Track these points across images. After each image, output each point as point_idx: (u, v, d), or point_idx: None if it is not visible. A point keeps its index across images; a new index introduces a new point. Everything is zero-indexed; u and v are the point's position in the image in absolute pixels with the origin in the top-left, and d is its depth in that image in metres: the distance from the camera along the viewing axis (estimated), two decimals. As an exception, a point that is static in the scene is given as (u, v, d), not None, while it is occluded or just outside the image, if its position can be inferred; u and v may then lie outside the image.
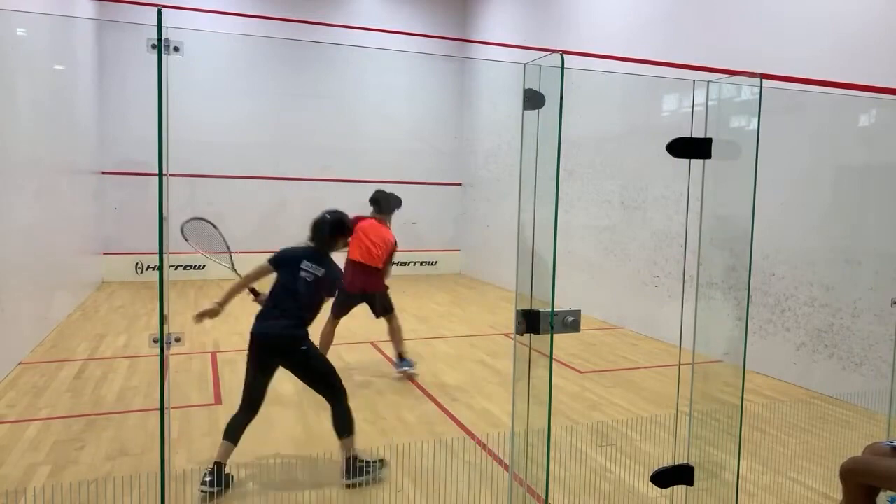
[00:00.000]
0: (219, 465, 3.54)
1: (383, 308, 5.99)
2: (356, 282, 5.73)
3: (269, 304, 3.99)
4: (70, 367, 5.90)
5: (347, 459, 3.69)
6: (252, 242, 11.84)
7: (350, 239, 4.95)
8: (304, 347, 3.83)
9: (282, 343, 3.87)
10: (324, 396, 3.85)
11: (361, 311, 9.13)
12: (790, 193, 5.90)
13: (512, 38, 10.96)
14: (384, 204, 5.95)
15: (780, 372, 6.01)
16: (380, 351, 6.79)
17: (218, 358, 6.36)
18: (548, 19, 10.29)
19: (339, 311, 5.86)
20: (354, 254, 5.76)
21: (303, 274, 3.89)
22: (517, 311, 2.33)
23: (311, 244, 4.06)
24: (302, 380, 3.90)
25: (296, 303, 3.86)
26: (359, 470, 3.68)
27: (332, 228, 4.13)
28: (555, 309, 2.27)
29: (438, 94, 13.12)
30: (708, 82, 2.87)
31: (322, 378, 3.86)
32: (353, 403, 5.04)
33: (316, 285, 3.87)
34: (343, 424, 3.76)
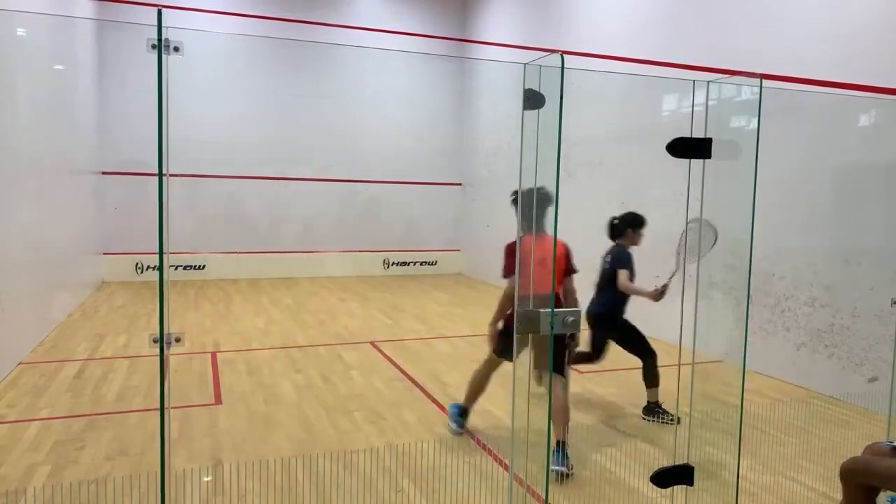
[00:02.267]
0: (656, 403, 4.91)
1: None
2: None
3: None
4: (70, 367, 5.90)
5: (651, 403, 4.91)
6: (252, 242, 11.90)
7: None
8: (616, 320, 5.02)
9: (590, 318, 5.08)
10: (635, 355, 5.00)
11: (361, 310, 9.17)
12: (790, 193, 5.90)
13: (512, 38, 10.96)
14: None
15: (780, 372, 6.01)
16: (380, 351, 6.79)
17: (218, 358, 6.36)
18: (548, 19, 10.29)
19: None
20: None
21: (604, 265, 5.16)
22: (517, 312, 2.34)
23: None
24: (617, 344, 5.06)
25: (602, 286, 5.07)
26: (655, 413, 4.87)
27: (623, 225, 5.34)
28: (555, 309, 2.27)
29: (438, 94, 13.13)
30: (708, 82, 2.87)
31: (632, 342, 5.00)
32: (353, 403, 5.07)
33: (609, 270, 5.06)
34: (649, 377, 4.92)
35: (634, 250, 5.20)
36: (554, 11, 10.08)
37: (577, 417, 4.89)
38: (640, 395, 5.38)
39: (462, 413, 4.55)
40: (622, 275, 4.93)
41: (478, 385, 4.52)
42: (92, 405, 4.93)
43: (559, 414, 4.00)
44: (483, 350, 6.87)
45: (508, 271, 4.21)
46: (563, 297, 4.36)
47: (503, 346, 4.28)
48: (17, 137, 6.30)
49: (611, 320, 5.02)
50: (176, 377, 5.66)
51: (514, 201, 4.20)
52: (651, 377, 4.92)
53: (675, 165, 2.88)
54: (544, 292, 4.24)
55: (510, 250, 4.27)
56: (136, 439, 4.26)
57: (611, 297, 4.98)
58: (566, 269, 4.40)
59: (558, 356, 4.09)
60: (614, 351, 7.09)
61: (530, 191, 4.23)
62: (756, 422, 4.81)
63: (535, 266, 4.02)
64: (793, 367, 5.91)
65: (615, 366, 6.42)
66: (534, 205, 3.82)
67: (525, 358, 2.55)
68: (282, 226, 12.22)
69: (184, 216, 11.41)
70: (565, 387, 4.22)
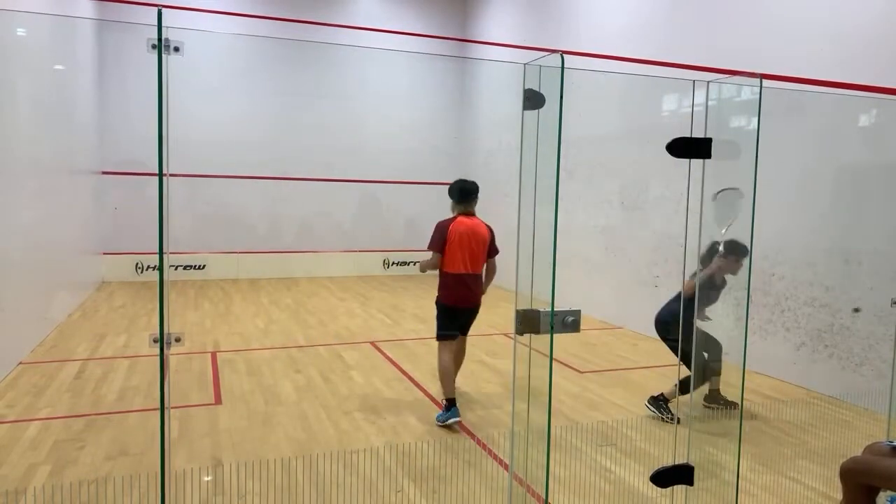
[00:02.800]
0: (666, 400, 4.84)
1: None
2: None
3: None
4: (70, 367, 5.90)
5: (661, 397, 4.83)
6: (252, 242, 11.89)
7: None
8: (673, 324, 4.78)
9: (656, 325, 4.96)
10: (683, 362, 4.55)
11: (361, 310, 9.17)
12: (790, 193, 5.90)
13: (512, 38, 10.96)
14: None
15: (780, 372, 6.01)
16: (379, 351, 6.79)
17: (218, 358, 6.36)
18: (548, 19, 10.29)
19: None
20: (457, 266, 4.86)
21: None
22: (517, 311, 2.33)
23: None
24: (670, 345, 4.86)
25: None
26: (659, 408, 4.82)
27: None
28: (555, 309, 2.27)
29: (438, 94, 13.13)
30: (708, 82, 2.87)
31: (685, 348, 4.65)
32: (353, 403, 5.07)
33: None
34: (685, 384, 4.50)
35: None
36: (554, 11, 10.08)
37: (577, 417, 4.89)
38: (641, 395, 5.39)
39: (449, 407, 4.64)
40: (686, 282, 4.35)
41: (446, 374, 4.73)
42: (92, 405, 4.93)
43: (441, 374, 4.74)
44: (482, 348, 6.88)
45: (434, 245, 4.87)
46: (486, 274, 5.01)
47: (443, 327, 4.86)
48: (17, 137, 6.30)
49: (669, 324, 4.88)
50: (176, 377, 5.66)
51: (450, 191, 4.93)
52: (686, 386, 4.54)
53: (675, 165, 2.88)
54: (476, 271, 4.94)
55: (440, 228, 4.86)
56: (136, 439, 4.26)
57: (674, 305, 4.82)
58: (491, 249, 4.98)
59: (441, 324, 4.86)
60: (614, 350, 7.09)
61: (461, 180, 4.98)
62: (756, 422, 4.81)
63: (470, 245, 4.86)
64: (793, 367, 5.91)
65: (615, 365, 6.42)
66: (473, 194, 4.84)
67: (525, 356, 2.55)
68: (282, 226, 12.22)
69: (184, 216, 11.41)
70: (447, 351, 4.81)
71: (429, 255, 4.94)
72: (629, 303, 8.16)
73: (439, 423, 4.63)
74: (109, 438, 4.26)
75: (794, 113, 5.78)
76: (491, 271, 5.05)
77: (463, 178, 5.07)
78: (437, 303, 4.94)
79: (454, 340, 4.93)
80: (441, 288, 4.90)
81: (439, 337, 4.88)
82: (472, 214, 4.93)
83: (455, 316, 4.90)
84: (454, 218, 4.87)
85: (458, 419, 4.60)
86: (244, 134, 11.63)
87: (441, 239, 4.80)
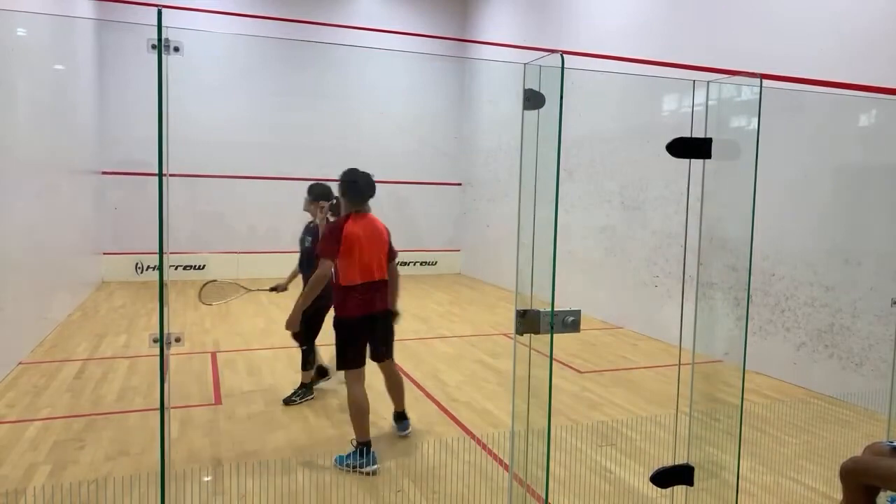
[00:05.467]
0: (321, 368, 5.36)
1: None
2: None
3: None
4: (70, 367, 5.90)
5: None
6: (252, 242, 11.89)
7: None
8: None
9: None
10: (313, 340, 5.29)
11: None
12: (791, 193, 5.90)
13: (512, 38, 10.96)
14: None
15: (780, 372, 6.01)
16: (380, 351, 6.79)
17: (218, 358, 6.36)
18: (548, 19, 10.29)
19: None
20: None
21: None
22: (517, 311, 2.33)
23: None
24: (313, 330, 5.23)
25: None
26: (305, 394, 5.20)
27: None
28: (555, 309, 2.27)
29: (438, 94, 13.12)
30: (708, 82, 2.87)
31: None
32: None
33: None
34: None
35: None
36: (554, 11, 10.08)
37: (577, 417, 4.89)
38: (641, 395, 5.39)
39: (365, 451, 3.88)
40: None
41: (360, 412, 3.96)
42: (92, 405, 4.93)
43: (355, 411, 3.93)
44: (482, 348, 6.87)
45: (328, 252, 3.92)
46: (391, 281, 4.21)
47: (348, 353, 3.99)
48: (17, 137, 6.30)
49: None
50: (176, 377, 5.66)
51: (345, 186, 4.20)
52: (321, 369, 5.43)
53: (675, 165, 2.87)
54: (381, 277, 4.09)
55: (333, 230, 3.97)
56: (136, 439, 4.26)
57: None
58: (391, 252, 4.23)
59: (343, 350, 3.97)
60: (614, 350, 7.08)
61: (353, 170, 4.24)
62: (756, 422, 4.81)
63: (368, 248, 4.01)
64: (793, 367, 5.91)
65: (615, 365, 6.42)
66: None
67: (525, 356, 2.55)
68: (281, 225, 12.21)
69: (184, 216, 11.40)
70: (358, 382, 4.01)
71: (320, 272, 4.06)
72: (629, 303, 8.15)
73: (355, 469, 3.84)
74: (109, 438, 4.26)
75: (794, 113, 5.78)
76: (394, 277, 4.25)
77: (357, 168, 4.34)
78: (336, 323, 4.03)
79: (363, 367, 4.05)
80: (340, 302, 4.03)
81: (344, 365, 3.98)
82: (367, 213, 4.18)
83: (362, 331, 4.02)
84: (346, 217, 4.08)
85: (376, 466, 3.83)
86: (244, 134, 11.63)
87: (336, 242, 3.94)
